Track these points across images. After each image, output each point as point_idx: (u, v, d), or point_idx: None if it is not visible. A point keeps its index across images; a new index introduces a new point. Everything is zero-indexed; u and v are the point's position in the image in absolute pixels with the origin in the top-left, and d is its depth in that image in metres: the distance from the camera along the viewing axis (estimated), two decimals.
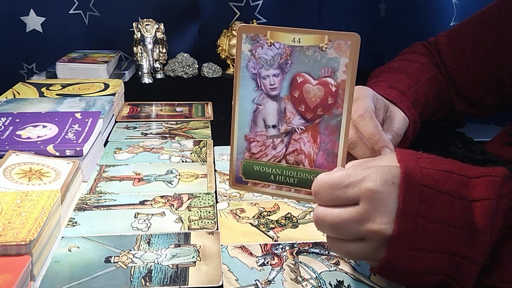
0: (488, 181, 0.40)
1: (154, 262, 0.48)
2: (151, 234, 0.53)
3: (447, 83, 0.79)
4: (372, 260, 0.42)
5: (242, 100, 0.48)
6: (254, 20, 1.21)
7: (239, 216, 0.57)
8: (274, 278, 0.47)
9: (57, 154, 0.63)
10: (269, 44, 0.46)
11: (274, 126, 0.48)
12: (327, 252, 0.51)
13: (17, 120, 0.72)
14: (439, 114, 0.79)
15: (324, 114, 0.46)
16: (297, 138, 0.48)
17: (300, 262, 0.49)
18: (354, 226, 0.40)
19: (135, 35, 1.14)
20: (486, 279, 0.40)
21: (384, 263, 0.40)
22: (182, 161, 0.71)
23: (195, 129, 0.84)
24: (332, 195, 0.41)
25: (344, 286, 0.46)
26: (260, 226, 0.55)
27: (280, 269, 0.48)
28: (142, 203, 0.59)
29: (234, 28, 1.18)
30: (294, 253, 0.50)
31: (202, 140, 0.79)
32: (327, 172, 0.42)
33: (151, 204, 0.59)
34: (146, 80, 1.15)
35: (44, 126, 0.70)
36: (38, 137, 0.67)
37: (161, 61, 1.17)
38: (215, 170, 0.69)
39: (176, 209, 0.58)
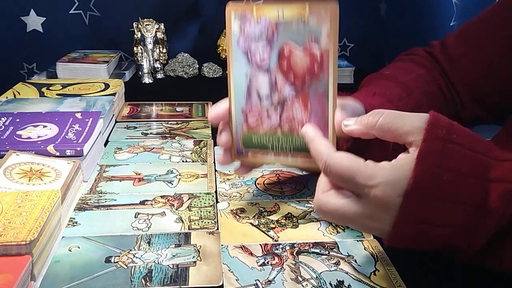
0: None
1: (154, 262, 0.48)
2: (151, 234, 0.53)
3: (451, 95, 0.70)
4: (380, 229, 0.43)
5: (236, 75, 0.52)
6: None
7: (239, 216, 0.57)
8: (274, 278, 0.47)
9: (58, 154, 0.63)
10: (256, 20, 0.49)
11: (267, 97, 0.51)
12: (327, 252, 0.51)
13: (18, 120, 0.72)
14: None
15: (312, 81, 0.49)
16: (289, 106, 0.51)
17: (301, 262, 0.49)
18: (358, 219, 0.43)
19: (135, 35, 1.14)
20: (491, 260, 0.41)
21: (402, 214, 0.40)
22: (183, 161, 0.71)
23: (195, 129, 0.84)
24: (341, 183, 0.43)
25: (345, 286, 0.46)
26: (260, 226, 0.55)
27: (281, 269, 0.48)
28: (143, 203, 0.59)
29: None
30: (294, 253, 0.50)
31: (202, 140, 0.79)
32: (346, 156, 0.43)
33: (152, 204, 0.59)
34: (146, 80, 1.15)
35: (44, 126, 0.70)
36: (39, 137, 0.67)
37: (161, 61, 1.17)
38: (216, 170, 0.69)
39: (176, 209, 0.58)
